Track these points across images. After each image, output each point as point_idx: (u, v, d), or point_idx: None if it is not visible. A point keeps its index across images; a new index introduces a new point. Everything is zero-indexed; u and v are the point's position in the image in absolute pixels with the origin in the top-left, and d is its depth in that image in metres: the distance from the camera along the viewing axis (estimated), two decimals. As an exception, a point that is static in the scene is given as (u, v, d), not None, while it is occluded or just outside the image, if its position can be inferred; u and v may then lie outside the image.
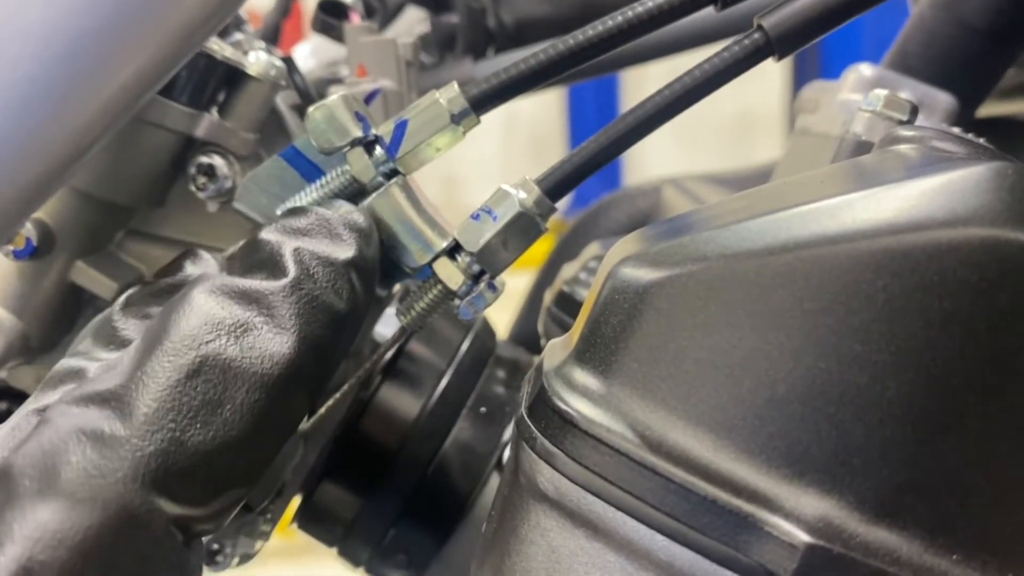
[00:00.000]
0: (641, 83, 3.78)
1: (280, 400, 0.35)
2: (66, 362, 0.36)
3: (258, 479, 0.35)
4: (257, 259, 0.37)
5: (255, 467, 0.35)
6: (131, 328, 0.37)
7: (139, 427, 0.32)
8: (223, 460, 0.33)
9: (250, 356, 0.34)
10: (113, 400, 0.32)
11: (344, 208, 0.39)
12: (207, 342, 0.34)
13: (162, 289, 0.38)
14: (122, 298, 0.38)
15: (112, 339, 0.37)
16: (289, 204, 0.42)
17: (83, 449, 0.31)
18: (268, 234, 0.37)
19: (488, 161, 4.24)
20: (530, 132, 4.63)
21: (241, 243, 0.38)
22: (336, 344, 0.38)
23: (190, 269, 0.39)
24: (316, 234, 0.38)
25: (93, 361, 0.36)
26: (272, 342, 0.35)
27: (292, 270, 0.36)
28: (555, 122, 4.70)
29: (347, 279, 0.37)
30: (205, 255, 0.40)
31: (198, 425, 0.33)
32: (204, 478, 0.33)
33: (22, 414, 0.34)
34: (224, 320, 0.34)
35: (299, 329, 0.35)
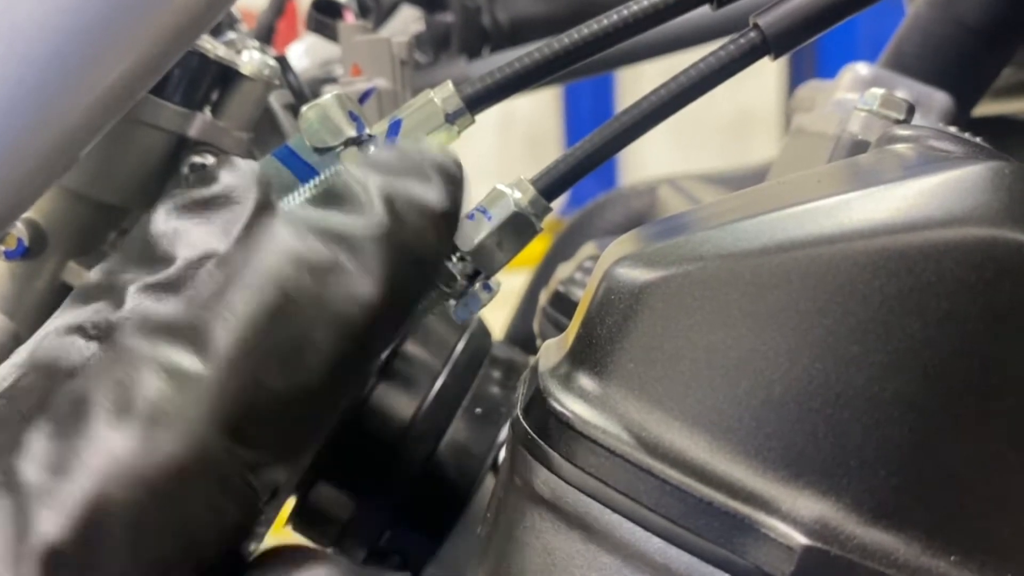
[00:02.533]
0: (637, 82, 3.77)
1: (361, 347, 0.33)
2: (95, 277, 0.34)
3: (325, 434, 0.34)
4: (338, 193, 0.35)
5: (327, 419, 0.34)
6: (168, 244, 0.34)
7: (220, 366, 0.30)
8: (301, 407, 0.32)
9: (335, 297, 0.32)
10: (189, 331, 0.31)
11: (437, 150, 0.36)
12: (291, 278, 0.32)
13: (202, 202, 0.35)
14: (158, 211, 0.35)
15: (147, 253, 0.34)
16: (282, 205, 0.41)
17: (160, 382, 0.30)
18: (351, 166, 0.35)
19: (484, 160, 4.24)
20: (526, 131, 4.63)
21: (326, 176, 0.36)
22: (417, 293, 0.36)
23: (228, 180, 0.36)
24: (405, 173, 0.35)
25: (127, 277, 0.33)
26: (358, 284, 0.33)
27: (380, 211, 0.34)
28: (551, 121, 4.70)
29: (435, 223, 0.35)
30: (240, 163, 0.37)
31: (279, 368, 0.31)
32: (281, 426, 0.31)
33: (53, 330, 0.32)
34: (308, 257, 0.32)
35: (385, 274, 0.33)
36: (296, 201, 0.41)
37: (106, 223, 0.47)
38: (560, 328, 0.57)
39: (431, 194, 0.35)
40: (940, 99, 0.53)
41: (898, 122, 0.43)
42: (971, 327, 0.28)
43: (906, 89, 0.54)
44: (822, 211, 0.29)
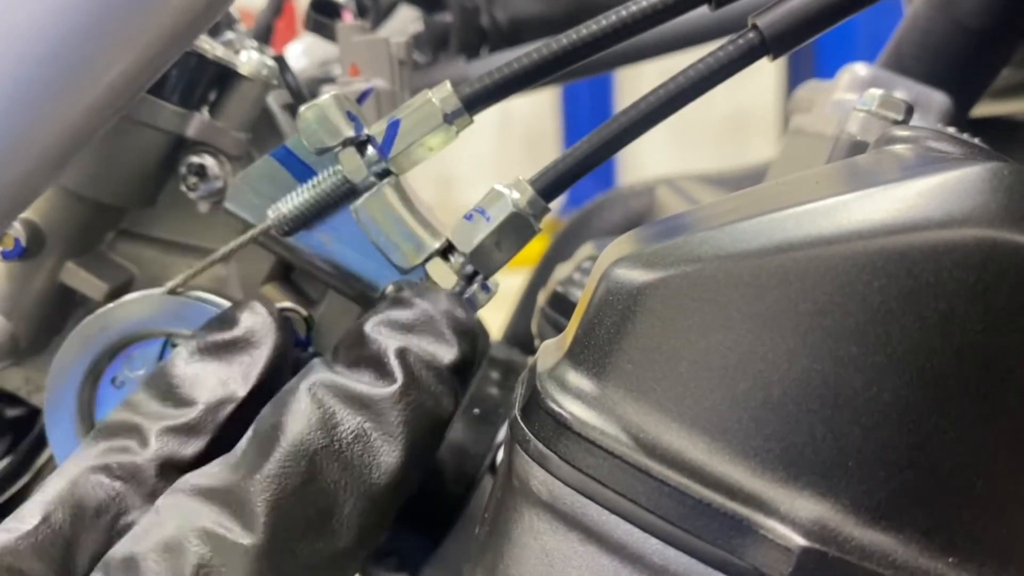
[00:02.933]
0: (636, 82, 3.78)
1: (385, 508, 0.36)
2: (119, 415, 0.37)
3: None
4: (362, 355, 0.37)
5: (351, 570, 0.36)
6: (189, 387, 0.38)
7: (259, 537, 0.32)
8: (328, 569, 0.34)
9: (361, 465, 0.35)
10: (232, 501, 0.33)
11: (448, 303, 0.39)
12: (323, 446, 0.34)
13: (222, 344, 0.39)
14: (179, 351, 0.39)
15: (170, 395, 0.37)
16: (280, 204, 0.41)
17: (206, 550, 0.32)
18: (372, 328, 0.38)
19: (483, 160, 4.24)
20: (525, 131, 4.63)
21: (347, 332, 0.39)
22: (435, 446, 0.38)
23: (247, 322, 0.39)
24: (421, 331, 0.38)
25: (150, 417, 0.37)
26: (382, 451, 0.35)
27: (399, 376, 0.36)
28: (550, 121, 4.69)
29: (450, 384, 0.38)
30: (259, 306, 0.40)
31: (310, 536, 0.33)
32: None
33: (79, 470, 0.35)
34: (337, 426, 0.35)
35: (406, 438, 0.36)
36: (295, 201, 0.41)
37: (104, 223, 0.47)
38: (558, 328, 0.57)
39: (445, 352, 0.37)
40: (939, 99, 0.53)
41: (896, 123, 0.43)
42: (969, 328, 0.28)
43: (905, 90, 0.54)
44: (820, 212, 0.29)
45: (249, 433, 0.36)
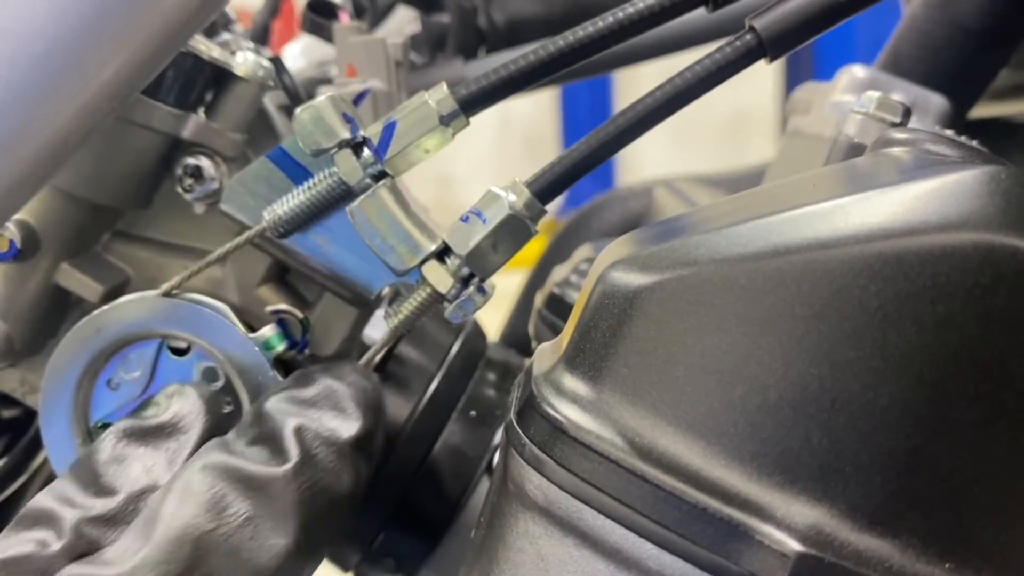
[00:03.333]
0: (635, 83, 3.77)
1: None
2: (42, 502, 0.37)
3: None
4: (259, 433, 0.37)
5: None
6: (112, 475, 0.37)
7: None
8: None
9: (249, 548, 0.34)
10: None
11: (354, 375, 0.39)
12: (208, 531, 0.34)
13: (147, 430, 0.38)
14: (104, 439, 0.38)
15: (92, 483, 0.37)
16: (276, 206, 0.41)
17: None
18: (273, 405, 0.37)
19: (482, 161, 4.24)
20: (524, 132, 4.63)
21: (248, 411, 0.38)
22: (335, 523, 0.38)
23: (175, 407, 0.39)
24: (322, 406, 0.38)
25: (70, 506, 0.36)
26: (272, 533, 0.35)
27: (294, 454, 0.36)
28: (549, 122, 4.69)
29: (349, 459, 0.37)
30: (189, 390, 0.40)
31: None
32: None
33: None
34: (225, 509, 0.34)
35: (298, 518, 0.35)
36: (290, 203, 0.41)
37: (99, 224, 0.46)
38: (556, 330, 0.57)
39: (346, 427, 0.37)
40: (937, 102, 0.53)
41: (894, 125, 0.43)
42: (967, 333, 0.28)
43: (903, 91, 0.54)
44: (818, 215, 0.29)
45: (137, 521, 0.35)
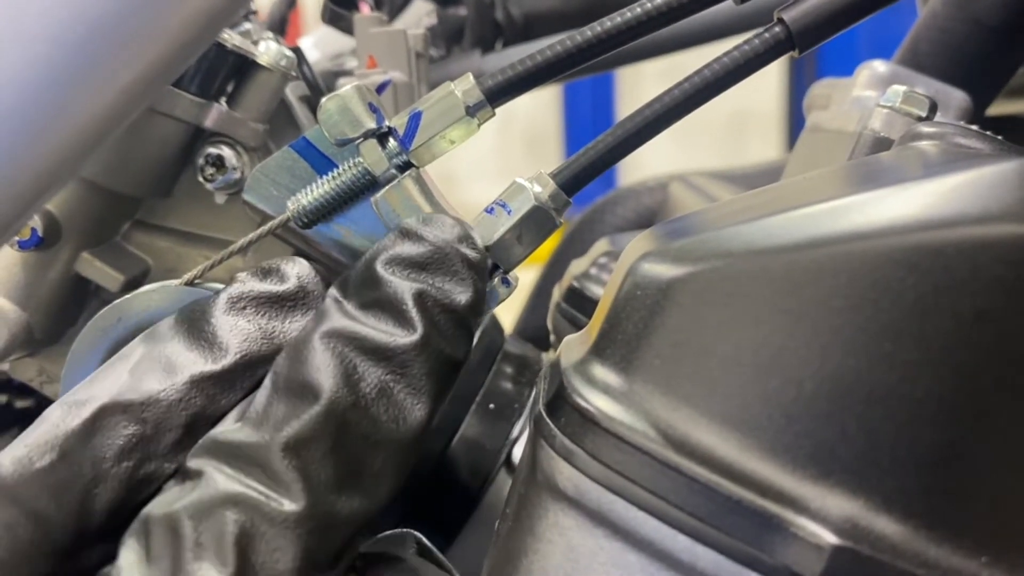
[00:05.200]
0: (637, 82, 3.77)
1: (410, 459, 0.35)
2: (142, 346, 0.35)
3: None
4: (376, 297, 0.35)
5: (388, 522, 0.36)
6: (229, 334, 0.36)
7: (298, 503, 0.31)
8: (363, 522, 0.33)
9: (387, 421, 0.34)
10: (265, 464, 0.32)
11: (456, 232, 0.37)
12: (350, 405, 0.33)
13: (265, 299, 0.37)
14: (222, 298, 0.37)
15: (208, 341, 0.36)
16: (300, 196, 0.41)
17: (245, 517, 0.31)
18: (383, 269, 0.36)
19: (484, 159, 4.23)
20: (526, 130, 4.62)
21: (356, 268, 0.37)
22: (452, 389, 0.37)
23: (292, 279, 0.38)
24: (435, 271, 0.36)
25: (183, 363, 0.35)
26: (408, 406, 0.34)
27: (420, 325, 0.35)
28: (551, 120, 4.69)
29: (467, 327, 0.36)
30: (301, 262, 0.38)
31: (345, 497, 0.32)
32: (345, 538, 0.33)
33: (98, 404, 0.33)
34: (360, 381, 0.33)
35: (431, 389, 0.35)
36: (313, 194, 0.41)
37: (120, 213, 0.46)
38: (575, 324, 0.57)
39: (461, 293, 0.36)
40: (958, 97, 0.53)
41: (920, 119, 0.43)
42: (1006, 325, 0.27)
43: (924, 87, 0.54)
44: (855, 207, 0.29)
45: (268, 387, 0.34)
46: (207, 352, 0.35)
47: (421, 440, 0.34)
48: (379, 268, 0.36)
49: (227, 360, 0.35)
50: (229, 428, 0.33)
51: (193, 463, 0.33)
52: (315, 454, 0.32)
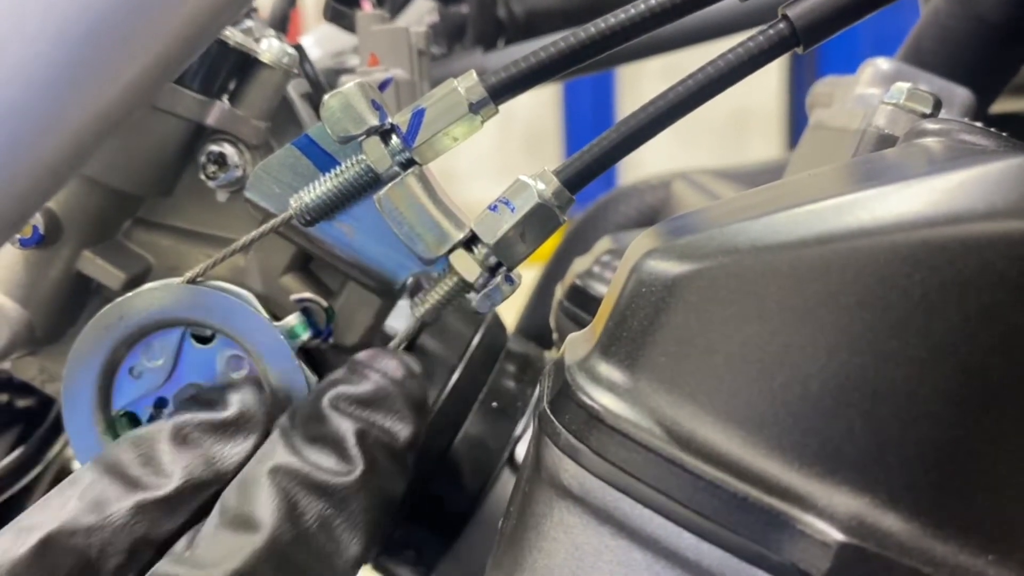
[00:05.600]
0: (637, 80, 3.77)
1: None
2: (92, 474, 0.37)
3: None
4: (321, 433, 0.37)
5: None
6: (173, 461, 0.37)
7: None
8: None
9: (326, 555, 0.35)
10: None
11: (401, 370, 0.39)
12: (291, 539, 0.35)
13: (208, 426, 0.39)
14: (167, 426, 0.38)
15: (153, 468, 0.37)
16: (302, 194, 0.41)
17: None
18: (329, 406, 0.38)
19: (485, 157, 4.23)
20: (526, 128, 4.62)
21: (303, 403, 0.39)
22: (387, 527, 0.39)
23: (234, 406, 0.39)
24: (378, 408, 0.38)
25: (125, 482, 0.37)
26: (345, 541, 0.36)
27: (360, 462, 0.36)
28: (551, 119, 4.68)
29: (403, 463, 0.38)
30: (246, 388, 0.40)
31: None
32: None
33: (56, 525, 0.35)
34: (302, 515, 0.35)
35: (367, 525, 0.36)
36: (316, 191, 0.41)
37: (121, 212, 0.46)
38: (578, 322, 0.56)
39: (401, 431, 0.38)
40: (962, 94, 0.53)
41: (925, 116, 0.43)
42: (1012, 322, 0.27)
43: (927, 84, 0.53)
44: (861, 203, 0.29)
45: (215, 517, 0.35)
46: (152, 478, 0.37)
47: (355, 572, 0.36)
48: (325, 405, 0.38)
49: (170, 486, 0.37)
50: (177, 559, 0.35)
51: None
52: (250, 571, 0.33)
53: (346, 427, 0.37)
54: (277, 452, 0.37)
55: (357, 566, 0.36)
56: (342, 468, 0.36)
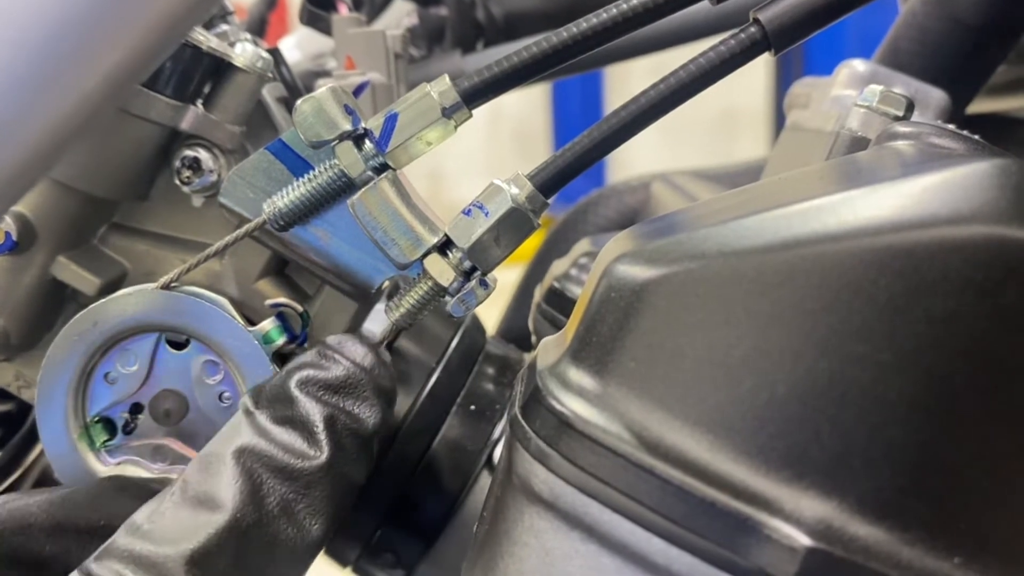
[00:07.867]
0: (626, 79, 3.77)
1: (307, 568, 0.37)
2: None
3: None
4: (289, 415, 0.37)
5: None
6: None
7: None
8: None
9: (287, 539, 0.36)
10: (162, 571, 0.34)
11: (371, 359, 0.39)
12: (254, 522, 0.35)
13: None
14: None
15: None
16: (276, 198, 0.41)
17: None
18: (298, 388, 0.38)
19: (473, 157, 4.23)
20: (515, 128, 4.62)
21: (271, 384, 0.39)
22: (347, 512, 0.39)
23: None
24: (347, 395, 0.38)
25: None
26: (307, 526, 0.36)
27: (327, 448, 0.37)
28: (540, 118, 4.68)
29: (369, 450, 0.39)
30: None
31: None
32: None
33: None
34: (265, 497, 0.35)
35: (329, 511, 0.37)
36: (290, 196, 0.40)
37: (96, 217, 0.46)
38: (556, 325, 0.56)
39: (369, 418, 0.38)
40: (937, 96, 0.53)
41: (897, 119, 0.43)
42: (977, 327, 0.27)
43: (903, 86, 0.54)
44: (826, 208, 0.29)
45: (176, 493, 0.35)
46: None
47: (315, 555, 0.37)
48: (293, 387, 0.38)
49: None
50: (135, 531, 0.35)
51: (97, 567, 0.34)
52: (218, 566, 0.34)
53: (315, 411, 0.37)
54: (243, 432, 0.37)
55: (317, 549, 0.36)
56: (309, 452, 0.36)
